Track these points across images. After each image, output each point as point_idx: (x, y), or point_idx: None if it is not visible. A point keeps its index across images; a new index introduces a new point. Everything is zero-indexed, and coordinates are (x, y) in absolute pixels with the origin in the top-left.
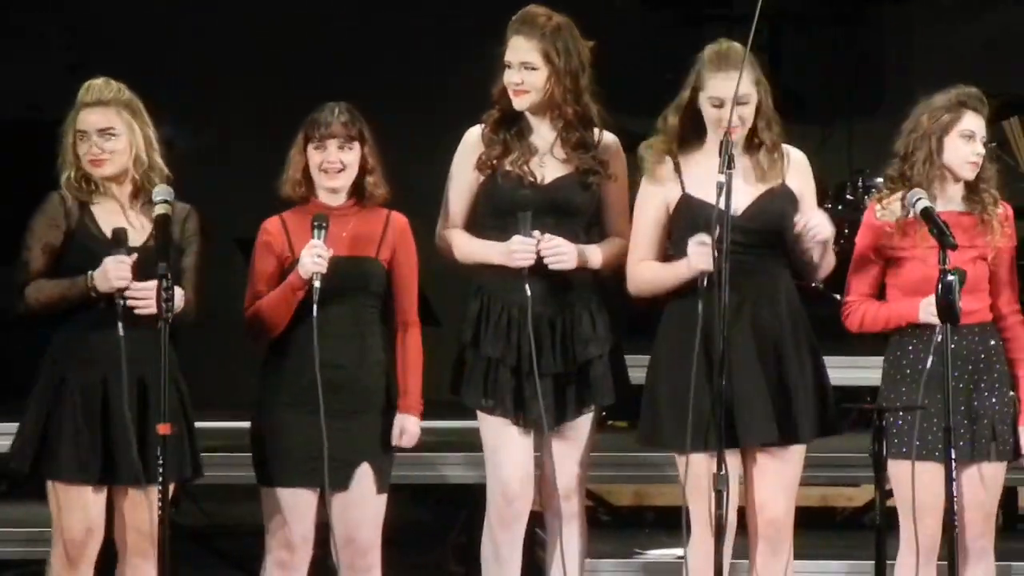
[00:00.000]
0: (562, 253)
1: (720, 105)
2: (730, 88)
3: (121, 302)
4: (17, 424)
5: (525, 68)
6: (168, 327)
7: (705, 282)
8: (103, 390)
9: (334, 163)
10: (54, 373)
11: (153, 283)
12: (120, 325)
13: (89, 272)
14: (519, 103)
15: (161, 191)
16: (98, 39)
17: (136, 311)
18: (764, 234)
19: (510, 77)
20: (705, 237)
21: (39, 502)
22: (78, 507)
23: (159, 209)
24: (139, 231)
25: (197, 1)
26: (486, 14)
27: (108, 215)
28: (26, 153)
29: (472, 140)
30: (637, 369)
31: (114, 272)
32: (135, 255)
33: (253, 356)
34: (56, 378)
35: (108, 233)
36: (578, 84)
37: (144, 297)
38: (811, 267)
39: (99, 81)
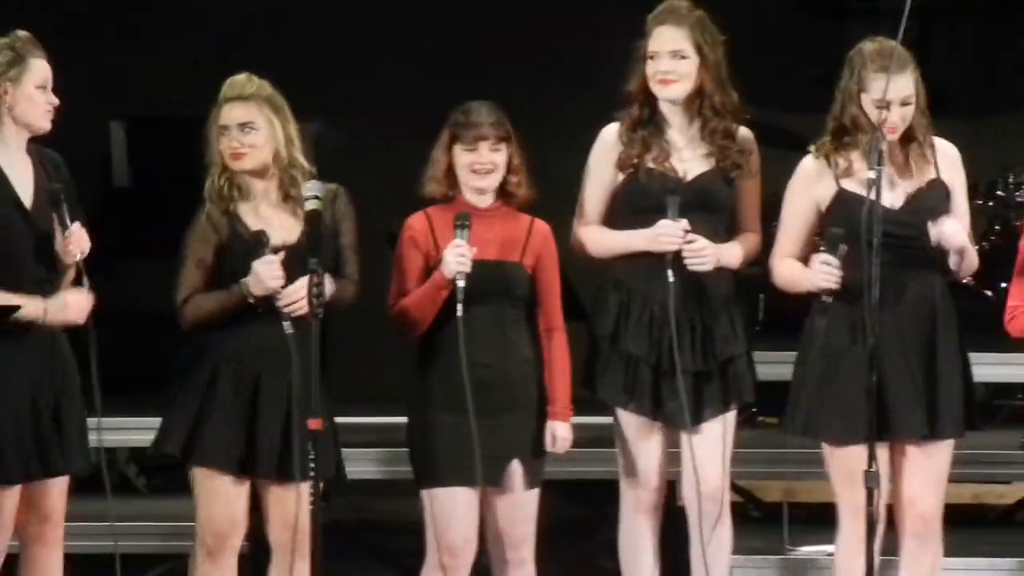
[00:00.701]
0: (704, 256)
1: (886, 106)
2: (895, 90)
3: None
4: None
5: (675, 57)
6: (320, 323)
7: (830, 299)
8: (255, 384)
9: (485, 164)
10: (207, 365)
11: (301, 284)
12: (287, 323)
13: (242, 280)
14: (669, 92)
15: (312, 187)
16: (242, 37)
17: (292, 314)
18: (920, 228)
19: (658, 66)
20: (830, 258)
21: (183, 497)
22: (222, 498)
23: (310, 205)
24: (288, 229)
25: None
26: (621, 11)
27: (255, 217)
28: (174, 148)
29: (609, 139)
30: (770, 365)
31: (266, 274)
32: (282, 253)
33: (403, 350)
34: (209, 370)
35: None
36: (721, 74)
37: (295, 300)
38: (951, 269)
39: (241, 77)
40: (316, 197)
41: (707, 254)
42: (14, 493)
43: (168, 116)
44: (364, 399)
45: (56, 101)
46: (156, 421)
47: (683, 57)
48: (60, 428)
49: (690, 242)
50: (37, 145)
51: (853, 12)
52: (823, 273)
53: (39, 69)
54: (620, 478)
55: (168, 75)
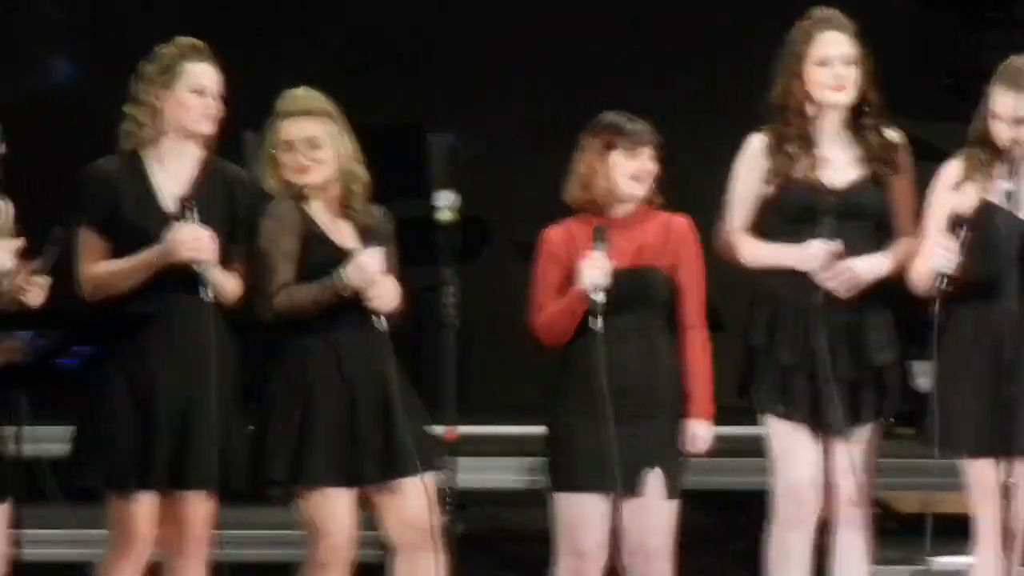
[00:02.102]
0: (854, 283)
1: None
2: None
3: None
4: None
5: (847, 63)
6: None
7: (944, 283)
8: (352, 390)
9: (646, 172)
10: (302, 377)
11: (390, 279)
12: (378, 320)
13: (339, 270)
14: (838, 98)
15: (446, 198)
16: (378, 44)
17: (379, 310)
18: None
19: (831, 72)
20: (950, 241)
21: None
22: (338, 513)
23: (445, 215)
24: (350, 240)
25: (474, 6)
26: (759, 17)
27: (328, 216)
28: None
29: (756, 149)
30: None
31: (370, 266)
32: (384, 247)
33: (538, 360)
34: (303, 383)
35: (336, 234)
36: (874, 78)
37: (386, 295)
38: None
39: (300, 91)
40: (450, 208)
41: (848, 282)
42: (143, 503)
43: None
44: (500, 409)
45: (216, 105)
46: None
47: (852, 63)
48: (196, 440)
49: (836, 268)
50: (221, 160)
51: (988, 21)
52: (942, 253)
53: (195, 74)
54: (772, 489)
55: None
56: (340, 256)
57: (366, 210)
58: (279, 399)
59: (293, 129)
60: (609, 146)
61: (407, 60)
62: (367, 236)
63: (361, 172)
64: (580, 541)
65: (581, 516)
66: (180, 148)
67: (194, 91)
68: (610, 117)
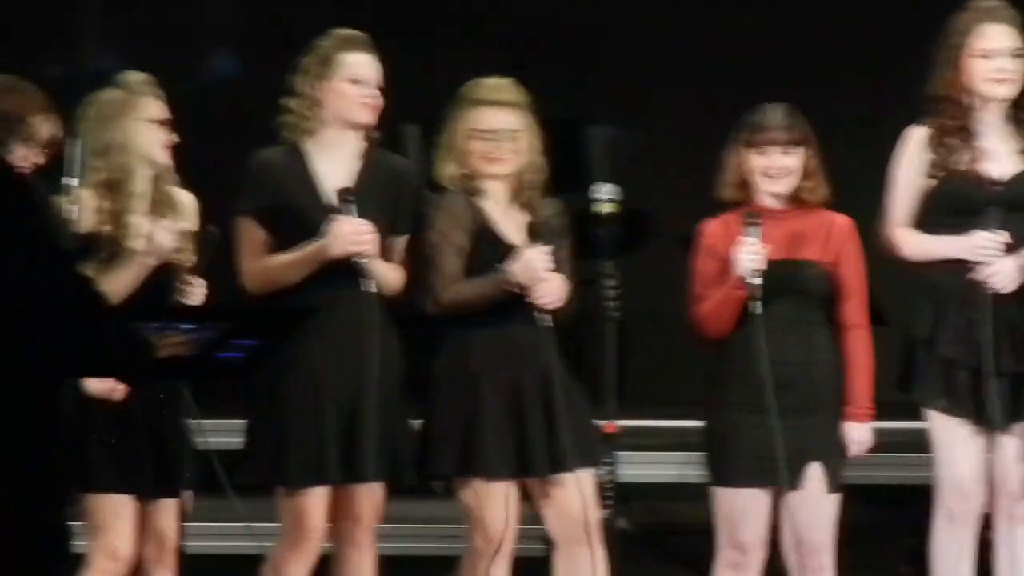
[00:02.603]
0: (1005, 279)
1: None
2: None
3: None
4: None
5: (1013, 55)
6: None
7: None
8: (516, 383)
9: (777, 168)
10: (465, 373)
11: (556, 278)
12: (543, 316)
13: (505, 266)
14: (1002, 91)
15: (607, 190)
16: (538, 39)
17: (544, 306)
18: None
19: (995, 64)
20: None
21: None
22: (499, 502)
23: (606, 208)
24: (520, 230)
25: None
26: (919, 9)
27: (499, 211)
28: None
29: (917, 141)
30: None
31: (537, 263)
32: (552, 245)
33: (699, 353)
34: (471, 376)
35: (506, 229)
36: None
37: (551, 293)
38: None
39: (502, 81)
40: (612, 200)
41: (1008, 276)
42: (316, 496)
43: None
44: (660, 402)
45: (376, 94)
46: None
47: (1017, 56)
48: (364, 433)
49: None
50: (386, 152)
51: None
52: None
53: (352, 64)
54: (935, 484)
55: (461, 78)
56: (508, 252)
57: (542, 203)
58: (446, 392)
59: (491, 118)
60: (747, 143)
61: (568, 53)
62: (539, 230)
63: (543, 165)
64: (741, 535)
65: (742, 510)
66: (341, 139)
67: (352, 81)
68: (754, 113)
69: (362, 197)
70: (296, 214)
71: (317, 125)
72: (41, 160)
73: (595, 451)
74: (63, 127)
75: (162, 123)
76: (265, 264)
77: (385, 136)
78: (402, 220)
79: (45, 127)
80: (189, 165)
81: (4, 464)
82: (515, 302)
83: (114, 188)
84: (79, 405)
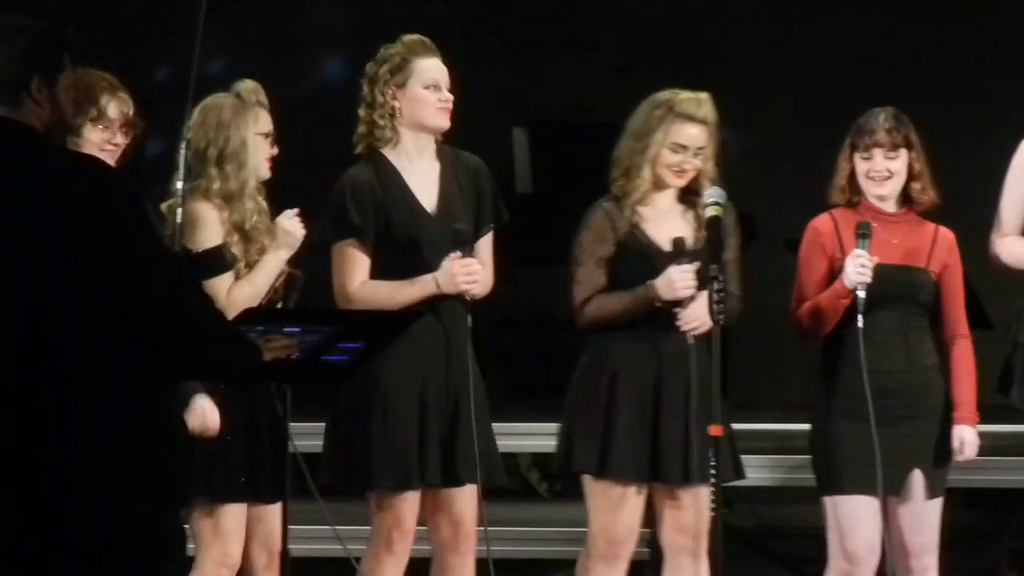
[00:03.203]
0: None
1: None
2: None
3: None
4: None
5: None
6: (720, 330)
7: None
8: (654, 387)
9: (880, 171)
10: (604, 372)
11: (701, 305)
12: (690, 335)
13: (650, 282)
14: None
15: (713, 193)
16: (649, 42)
17: (693, 331)
18: None
19: None
20: None
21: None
22: (624, 506)
23: (711, 211)
24: (683, 234)
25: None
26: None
27: (656, 222)
28: (576, 153)
29: None
30: None
31: (680, 282)
32: (697, 263)
33: (804, 356)
34: (607, 377)
35: (660, 241)
36: None
37: (695, 318)
38: None
39: (705, 96)
40: (717, 203)
41: None
42: (410, 499)
43: (570, 122)
44: (766, 405)
45: (450, 98)
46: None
47: None
48: (463, 436)
49: None
50: (454, 149)
51: None
52: None
53: (426, 69)
54: None
55: (570, 82)
56: (660, 261)
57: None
58: (584, 392)
59: (691, 133)
60: (853, 146)
61: (676, 56)
62: (682, 247)
63: (715, 174)
64: (850, 543)
65: (850, 518)
66: (420, 145)
67: (428, 87)
68: (864, 116)
69: (450, 198)
70: (398, 227)
71: (395, 134)
72: (119, 141)
73: (723, 466)
74: (133, 105)
75: (268, 136)
76: (371, 291)
77: (496, 139)
78: (485, 216)
79: (113, 106)
80: (294, 170)
81: (118, 468)
82: (662, 312)
83: (231, 199)
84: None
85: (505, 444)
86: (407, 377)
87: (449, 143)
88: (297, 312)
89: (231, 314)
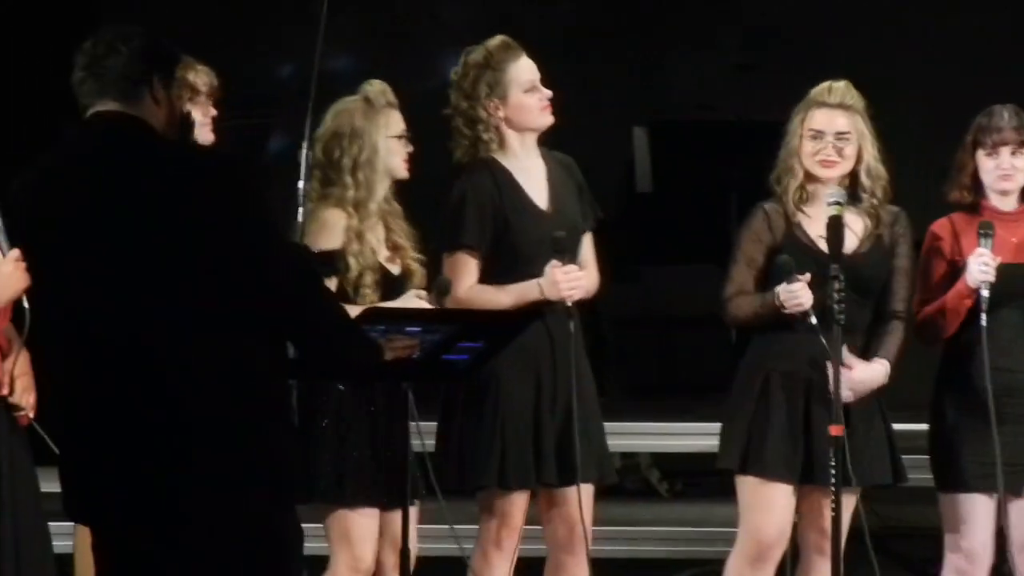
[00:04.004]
0: None
1: None
2: None
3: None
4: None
5: None
6: (840, 329)
7: None
8: (806, 388)
9: (1007, 168)
10: (759, 370)
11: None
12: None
13: (776, 289)
14: None
15: (834, 192)
16: (771, 40)
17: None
18: None
19: None
20: None
21: (704, 502)
22: (775, 507)
23: (831, 211)
24: (851, 233)
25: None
26: None
27: (821, 221)
28: (697, 152)
29: None
30: None
31: (794, 299)
32: (807, 276)
33: (923, 357)
34: (761, 377)
35: (818, 241)
36: None
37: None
38: None
39: (842, 84)
40: (838, 203)
41: None
42: (521, 499)
43: (690, 121)
44: (887, 406)
45: (548, 93)
46: (681, 427)
47: None
48: (572, 436)
49: None
50: (545, 148)
51: None
52: None
53: (522, 73)
54: None
55: (690, 80)
56: (820, 261)
57: (884, 212)
58: (739, 390)
59: (828, 120)
60: (976, 144)
61: (797, 53)
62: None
63: (883, 172)
64: (966, 541)
65: (966, 516)
66: (526, 145)
67: (527, 90)
68: (984, 113)
69: (561, 198)
70: (516, 234)
71: (502, 142)
72: (213, 113)
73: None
74: (217, 76)
75: (402, 136)
76: (477, 295)
77: (616, 138)
78: (587, 214)
79: (201, 80)
80: (415, 169)
81: (231, 461)
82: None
83: (359, 205)
84: (331, 417)
85: (625, 444)
86: (516, 377)
87: (568, 142)
88: (418, 312)
89: None
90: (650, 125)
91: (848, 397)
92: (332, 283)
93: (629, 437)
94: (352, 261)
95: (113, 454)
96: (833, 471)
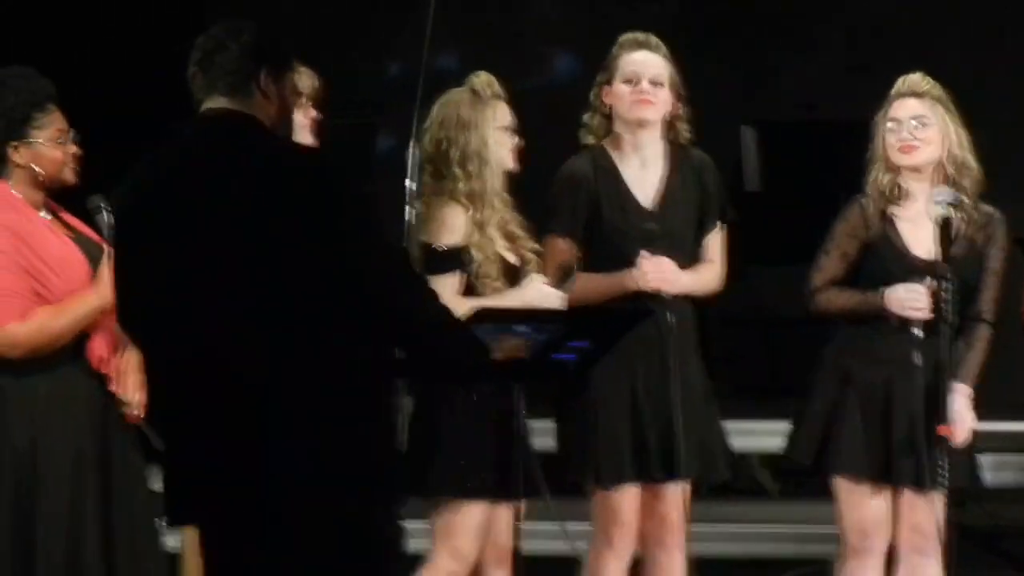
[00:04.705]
0: None
1: None
2: None
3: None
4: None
5: None
6: (952, 331)
7: None
8: (886, 390)
9: None
10: (839, 368)
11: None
12: (916, 329)
13: (884, 292)
14: None
15: (941, 193)
16: (879, 40)
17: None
18: None
19: None
20: None
21: (815, 501)
22: (865, 500)
23: (939, 212)
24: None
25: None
26: None
27: (916, 221)
28: (804, 152)
29: None
30: None
31: (908, 301)
32: (929, 282)
33: None
34: (840, 373)
35: (913, 241)
36: None
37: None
38: None
39: (915, 75)
40: (948, 203)
41: None
42: (631, 496)
43: (799, 120)
44: (998, 406)
45: (647, 90)
46: (788, 427)
47: None
48: (676, 429)
49: None
50: (684, 147)
51: None
52: None
53: (627, 64)
54: None
55: (799, 79)
56: (905, 266)
57: (977, 210)
58: (817, 388)
59: (901, 108)
60: None
61: (906, 56)
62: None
63: (973, 164)
64: None
65: None
66: (638, 140)
67: (627, 80)
68: None
69: (668, 197)
70: (607, 223)
71: (610, 130)
72: (314, 115)
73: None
74: (320, 78)
75: (509, 128)
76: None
77: (725, 137)
78: (712, 213)
79: (304, 81)
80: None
81: (331, 459)
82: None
83: (476, 198)
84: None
85: (733, 443)
86: (620, 373)
87: (678, 140)
88: (527, 312)
89: None
90: (758, 125)
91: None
92: (458, 279)
93: (737, 436)
94: (476, 253)
95: (208, 454)
96: (943, 471)
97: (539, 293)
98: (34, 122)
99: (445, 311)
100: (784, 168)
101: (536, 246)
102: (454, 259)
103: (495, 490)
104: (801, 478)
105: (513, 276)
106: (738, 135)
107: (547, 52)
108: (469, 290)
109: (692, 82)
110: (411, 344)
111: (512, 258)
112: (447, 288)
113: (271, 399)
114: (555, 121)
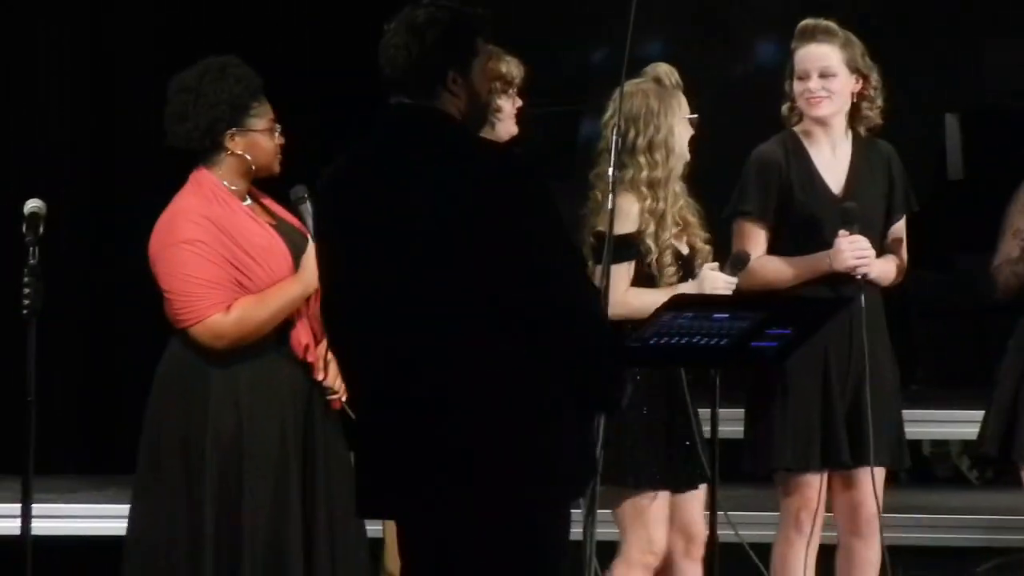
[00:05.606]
0: None
1: None
2: None
3: None
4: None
5: None
6: None
7: None
8: None
9: None
10: (1022, 358)
11: None
12: None
13: None
14: None
15: None
16: None
17: None
18: None
19: None
20: None
21: (1013, 490)
22: None
23: None
24: None
25: None
26: None
27: None
28: (1010, 140)
29: None
30: None
31: None
32: None
33: None
34: (1023, 363)
35: None
36: None
37: None
38: None
39: None
40: None
41: None
42: (817, 480)
43: (1004, 108)
44: None
45: (813, 88)
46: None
47: None
48: (866, 415)
49: None
50: (870, 138)
51: None
52: None
53: (798, 61)
54: None
55: (1004, 67)
56: None
57: None
58: (1003, 374)
59: None
60: None
61: None
62: None
63: None
64: None
65: None
66: (824, 125)
67: (798, 77)
68: None
69: (858, 182)
70: (799, 207)
71: (799, 119)
72: (520, 104)
73: None
74: (524, 65)
75: (689, 117)
76: (762, 265)
77: (928, 125)
78: (898, 203)
79: (512, 69)
80: (721, 154)
81: (494, 454)
82: None
83: (656, 187)
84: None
85: (936, 431)
86: (808, 357)
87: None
88: (726, 298)
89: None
90: (963, 112)
91: None
92: (630, 267)
93: (939, 425)
94: (650, 243)
95: (393, 450)
96: None
97: (714, 283)
98: (252, 111)
99: (605, 336)
100: (988, 156)
101: (707, 235)
102: (628, 247)
103: (670, 480)
104: (1001, 467)
105: (684, 265)
106: (943, 123)
107: (751, 39)
108: (644, 280)
109: (896, 70)
110: (559, 356)
111: (683, 248)
112: (619, 276)
113: (452, 395)
114: (761, 109)
